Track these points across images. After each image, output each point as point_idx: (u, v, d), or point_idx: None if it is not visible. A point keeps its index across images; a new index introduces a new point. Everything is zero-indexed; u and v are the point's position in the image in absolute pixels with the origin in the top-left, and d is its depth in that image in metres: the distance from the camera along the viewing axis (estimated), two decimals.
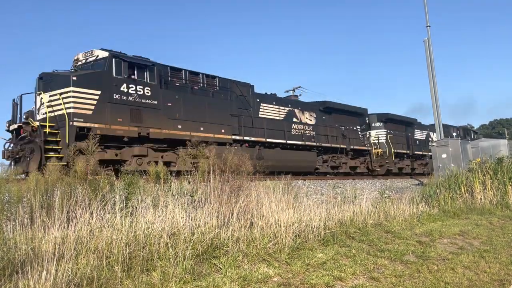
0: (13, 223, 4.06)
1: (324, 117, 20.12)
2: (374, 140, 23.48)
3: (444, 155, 15.50)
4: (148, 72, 12.82)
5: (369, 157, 22.56)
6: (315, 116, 19.69)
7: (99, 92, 11.41)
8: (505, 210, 9.66)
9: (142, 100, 12.39)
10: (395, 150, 23.86)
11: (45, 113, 10.80)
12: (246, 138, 15.46)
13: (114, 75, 11.87)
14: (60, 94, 10.92)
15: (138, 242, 4.04)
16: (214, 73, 15.90)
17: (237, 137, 15.14)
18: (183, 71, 14.63)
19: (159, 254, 4.01)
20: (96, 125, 11.14)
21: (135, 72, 12.52)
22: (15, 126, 11.23)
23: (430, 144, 23.50)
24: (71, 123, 10.69)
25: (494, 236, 6.86)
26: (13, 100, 11.75)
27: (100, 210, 4.44)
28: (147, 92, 12.58)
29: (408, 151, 25.48)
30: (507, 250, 5.86)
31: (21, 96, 11.56)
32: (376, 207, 7.83)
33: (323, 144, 19.31)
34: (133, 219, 4.46)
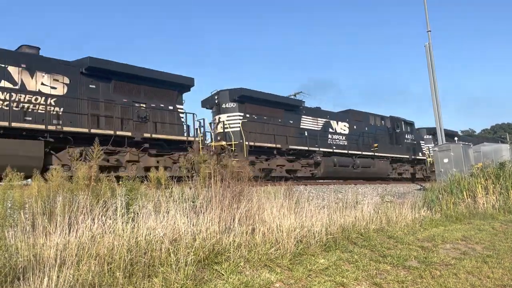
0: (15, 229, 4.06)
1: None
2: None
3: (445, 160, 15.48)
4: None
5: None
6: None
7: None
8: (507, 215, 9.62)
9: None
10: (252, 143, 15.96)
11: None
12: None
13: None
14: None
15: (140, 248, 4.03)
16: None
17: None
18: None
19: (160, 260, 4.01)
20: None
21: None
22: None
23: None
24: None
25: (497, 241, 6.83)
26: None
27: (101, 216, 4.44)
28: None
29: (279, 146, 17.10)
30: (510, 255, 5.83)
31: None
32: (378, 212, 7.82)
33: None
34: (134, 225, 4.46)
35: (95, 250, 3.82)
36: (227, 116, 16.47)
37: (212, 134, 16.46)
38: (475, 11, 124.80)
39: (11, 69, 10.73)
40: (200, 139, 14.34)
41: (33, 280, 3.14)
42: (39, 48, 11.92)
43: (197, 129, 14.58)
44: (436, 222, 8.43)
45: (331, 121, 20.88)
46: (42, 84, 11.27)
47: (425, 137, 27.57)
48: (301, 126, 19.09)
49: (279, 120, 18.06)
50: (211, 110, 17.76)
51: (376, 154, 22.03)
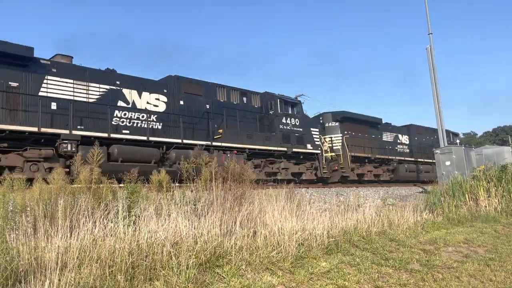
0: (17, 232, 4.06)
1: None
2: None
3: (447, 163, 15.44)
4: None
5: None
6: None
7: None
8: (510, 218, 9.59)
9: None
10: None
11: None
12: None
13: None
14: None
15: (141, 251, 4.03)
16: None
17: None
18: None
19: (162, 263, 4.00)
20: None
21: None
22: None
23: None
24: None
25: (499, 244, 6.80)
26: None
27: (103, 219, 4.44)
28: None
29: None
30: None
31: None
32: (380, 215, 7.80)
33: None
34: (136, 228, 4.45)
35: (96, 253, 3.82)
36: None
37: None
38: (474, 11, 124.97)
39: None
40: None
41: (34, 283, 3.14)
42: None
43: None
44: (438, 225, 8.41)
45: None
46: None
47: (328, 124, 21.50)
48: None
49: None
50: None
51: (215, 144, 14.39)
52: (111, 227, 4.32)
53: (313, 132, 19.09)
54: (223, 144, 14.49)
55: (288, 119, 17.84)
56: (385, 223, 7.55)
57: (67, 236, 4.01)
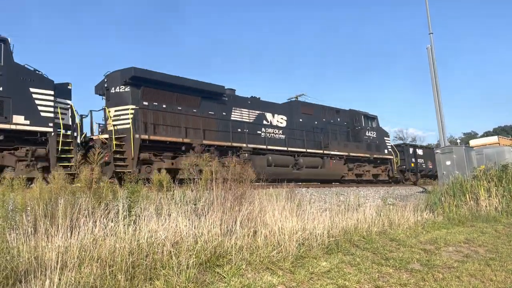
0: (17, 231, 4.07)
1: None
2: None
3: (448, 162, 15.45)
4: None
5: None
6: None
7: None
8: (510, 218, 9.58)
9: None
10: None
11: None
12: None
13: None
14: None
15: (142, 251, 4.03)
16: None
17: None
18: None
19: (162, 262, 4.00)
20: None
21: None
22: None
23: None
24: None
25: (500, 243, 6.79)
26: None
27: (103, 219, 4.45)
28: None
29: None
30: None
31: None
32: (380, 215, 7.80)
33: None
34: (136, 227, 4.46)
35: (96, 252, 3.82)
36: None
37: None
38: (471, 9, 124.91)
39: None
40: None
41: (34, 283, 3.14)
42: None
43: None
44: (438, 224, 8.40)
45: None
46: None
47: (114, 90, 14.63)
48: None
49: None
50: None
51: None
52: (111, 226, 4.32)
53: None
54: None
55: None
56: (385, 223, 7.55)
57: (67, 235, 4.02)
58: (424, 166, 26.42)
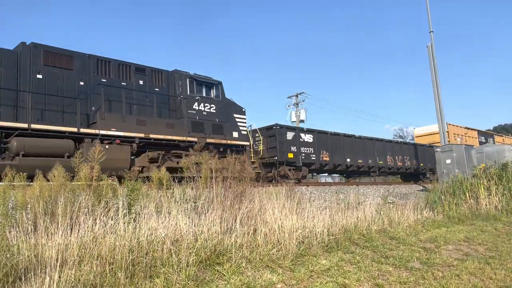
0: (17, 229, 4.07)
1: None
2: None
3: (448, 161, 15.45)
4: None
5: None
6: None
7: None
8: (510, 216, 9.59)
9: None
10: None
11: None
12: None
13: None
14: None
15: (141, 249, 4.03)
16: None
17: None
18: None
19: (162, 260, 4.01)
20: None
21: None
22: None
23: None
24: None
25: (500, 242, 6.80)
26: None
27: (103, 216, 4.45)
28: None
29: None
30: None
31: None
32: (380, 213, 7.80)
33: None
34: (136, 225, 4.46)
35: (96, 250, 3.82)
36: None
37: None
38: (470, 9, 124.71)
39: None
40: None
41: (34, 281, 3.14)
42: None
43: None
44: (438, 223, 8.41)
45: None
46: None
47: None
48: None
49: None
50: None
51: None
52: (111, 224, 4.32)
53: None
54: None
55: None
56: (385, 221, 7.55)
57: (67, 233, 4.02)
58: (314, 158, 18.54)
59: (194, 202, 5.69)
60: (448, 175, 13.66)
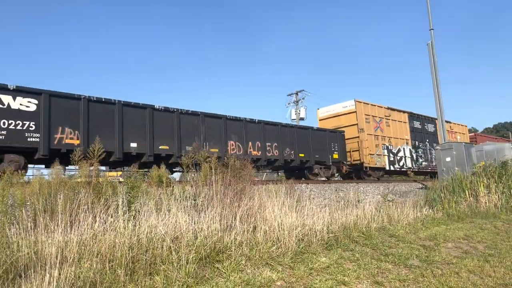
0: (17, 226, 4.07)
1: None
2: None
3: (448, 159, 15.43)
4: None
5: None
6: None
7: None
8: (509, 214, 9.59)
9: None
10: None
11: None
12: None
13: None
14: None
15: (141, 246, 4.03)
16: None
17: None
18: None
19: (162, 258, 4.01)
20: None
21: None
22: None
23: None
24: None
25: (499, 240, 6.81)
26: None
27: (103, 214, 4.45)
28: None
29: None
30: None
31: None
32: (379, 211, 7.81)
33: None
34: (136, 222, 4.46)
35: (96, 247, 3.82)
36: None
37: None
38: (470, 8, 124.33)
39: None
40: None
41: (34, 278, 3.14)
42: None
43: None
44: (438, 221, 8.41)
45: None
46: None
47: None
48: None
49: None
50: None
51: None
52: (111, 221, 4.33)
53: None
54: None
55: None
56: (384, 219, 7.55)
57: (67, 230, 4.02)
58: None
59: (194, 200, 5.69)
60: (448, 173, 13.65)
